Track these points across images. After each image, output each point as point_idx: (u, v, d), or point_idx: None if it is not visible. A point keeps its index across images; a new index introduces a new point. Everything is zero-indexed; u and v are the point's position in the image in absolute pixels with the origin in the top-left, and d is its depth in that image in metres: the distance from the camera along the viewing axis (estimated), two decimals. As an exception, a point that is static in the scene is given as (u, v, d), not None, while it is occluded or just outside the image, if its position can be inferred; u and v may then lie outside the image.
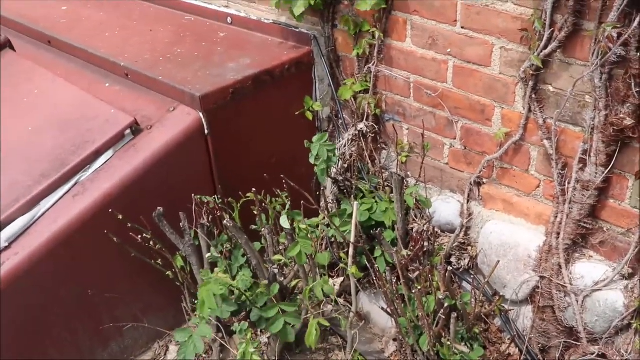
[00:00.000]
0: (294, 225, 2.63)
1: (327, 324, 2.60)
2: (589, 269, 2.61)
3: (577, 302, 2.63)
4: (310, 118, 3.23)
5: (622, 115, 2.30)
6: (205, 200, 2.88)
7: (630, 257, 2.50)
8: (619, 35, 2.19)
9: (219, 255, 2.81)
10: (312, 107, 3.24)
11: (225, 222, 2.62)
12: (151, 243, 2.80)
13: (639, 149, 2.36)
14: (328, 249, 3.12)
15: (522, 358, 2.86)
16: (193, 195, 2.87)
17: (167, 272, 2.92)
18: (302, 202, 2.79)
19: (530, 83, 2.56)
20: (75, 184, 2.85)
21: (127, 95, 3.21)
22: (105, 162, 2.91)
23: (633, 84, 2.22)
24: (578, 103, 2.46)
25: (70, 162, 2.87)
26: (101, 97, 3.17)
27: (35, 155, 2.95)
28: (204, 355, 3.14)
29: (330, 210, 3.09)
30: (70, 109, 3.15)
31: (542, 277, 2.73)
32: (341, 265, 3.02)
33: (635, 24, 2.12)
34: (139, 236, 2.77)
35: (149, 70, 3.22)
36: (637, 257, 2.50)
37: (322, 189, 2.99)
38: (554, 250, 2.67)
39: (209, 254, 2.85)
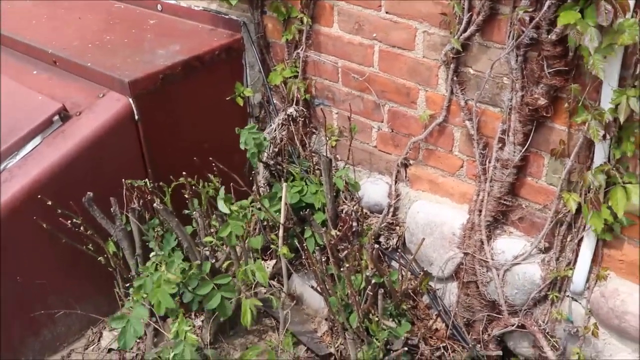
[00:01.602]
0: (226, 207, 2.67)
1: (260, 304, 2.64)
2: (509, 244, 2.73)
3: (498, 276, 2.74)
4: (242, 104, 3.26)
5: (536, 96, 2.41)
6: (136, 185, 2.89)
7: (546, 231, 2.63)
8: (531, 18, 2.29)
9: (161, 253, 2.82)
10: (242, 93, 3.27)
11: (155, 205, 2.65)
12: (82, 228, 2.79)
13: (553, 127, 2.48)
14: (261, 233, 3.17)
15: (448, 332, 2.97)
16: (124, 180, 2.88)
17: (100, 258, 2.92)
18: (231, 184, 2.83)
19: (452, 66, 2.66)
20: (3, 170, 2.82)
21: (56, 82, 3.18)
22: (34, 148, 2.88)
23: (545, 65, 2.33)
24: (496, 84, 2.57)
25: (-3, 148, 2.84)
26: (29, 85, 3.14)
27: (-40, 143, 2.91)
28: (137, 340, 3.15)
29: (262, 194, 3.14)
30: (-3, 96, 3.11)
31: (465, 254, 2.84)
32: (272, 247, 3.08)
33: (545, 7, 2.22)
34: (69, 221, 2.76)
35: (77, 57, 3.19)
36: (552, 232, 2.63)
37: (253, 173, 3.03)
38: (477, 227, 2.78)
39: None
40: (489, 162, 2.70)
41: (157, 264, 2.59)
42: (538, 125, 2.51)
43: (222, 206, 2.56)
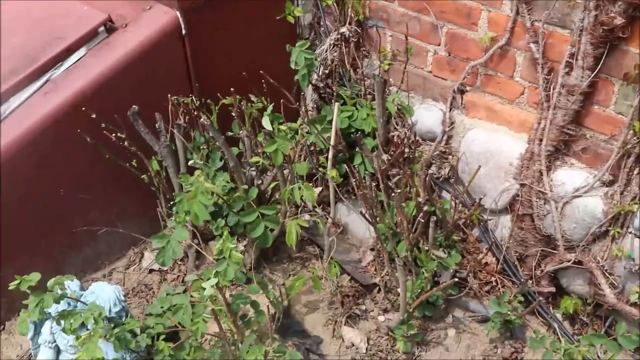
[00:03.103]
0: (273, 127, 2.57)
1: (305, 224, 2.56)
2: (569, 176, 2.60)
3: (557, 209, 2.62)
4: (292, 23, 3.13)
5: (612, 14, 2.24)
6: (182, 102, 2.80)
7: (612, 163, 2.49)
8: None
9: (200, 162, 2.74)
10: (293, 12, 3.13)
11: (202, 120, 2.55)
12: (126, 143, 2.72)
13: (628, 51, 2.31)
14: (307, 159, 3.08)
15: (498, 267, 2.87)
16: (169, 96, 2.79)
17: (143, 176, 2.86)
18: (281, 102, 2.72)
19: (519, -17, 2.49)
20: (47, 81, 2.75)
21: (101, -6, 3.08)
22: (78, 59, 2.80)
23: (626, -19, 2.16)
24: (567, 4, 2.39)
25: (41, 59, 2.76)
26: (74, -4, 3.05)
27: (3, 53, 2.83)
28: (179, 262, 3.11)
29: (310, 117, 3.02)
30: (41, 7, 3.00)
31: (522, 185, 2.71)
32: (320, 171, 2.99)
33: None
34: (113, 135, 2.69)
35: (124, -31, 3.08)
36: (618, 164, 2.49)
37: (301, 94, 2.92)
38: (536, 157, 2.64)
39: (191, 160, 2.78)
40: (554, 89, 2.54)
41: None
42: (611, 48, 2.35)
43: (267, 123, 2.45)
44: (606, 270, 2.58)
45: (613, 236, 2.54)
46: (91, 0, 2.98)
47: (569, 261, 2.64)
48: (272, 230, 2.70)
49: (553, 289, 2.77)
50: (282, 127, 2.56)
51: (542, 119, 2.61)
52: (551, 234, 2.68)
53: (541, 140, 2.62)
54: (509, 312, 2.64)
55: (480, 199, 2.71)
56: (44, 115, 2.66)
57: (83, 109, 2.67)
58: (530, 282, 2.79)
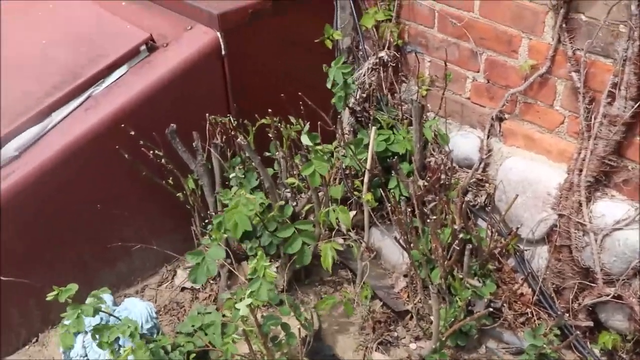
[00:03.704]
0: (310, 148, 2.56)
1: (340, 247, 2.55)
2: (610, 208, 2.54)
3: (596, 241, 2.56)
4: (330, 47, 3.14)
5: (658, 44, 2.21)
6: (220, 121, 2.81)
7: (654, 196, 2.44)
8: (661, -44, 2.09)
9: (242, 176, 2.75)
10: (332, 36, 3.14)
11: (239, 140, 2.56)
12: (163, 161, 2.74)
13: (673, 82, 2.28)
14: (342, 182, 3.06)
15: (534, 298, 2.81)
16: (207, 115, 2.80)
17: (178, 194, 2.87)
18: (318, 124, 2.72)
19: (562, 11, 2.47)
20: (88, 97, 2.79)
21: (144, 13, 3.13)
22: (120, 77, 2.84)
23: (672, 11, 2.13)
24: (611, 33, 2.36)
25: (83, 75, 2.81)
26: (118, 15, 3.09)
27: (48, 68, 2.89)
28: (211, 281, 3.11)
29: (346, 141, 3.02)
30: (85, 24, 3.07)
31: (560, 215, 2.66)
32: (354, 195, 2.98)
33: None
34: (151, 152, 2.71)
35: (167, -11, 3.14)
36: (661, 197, 2.43)
37: (338, 117, 2.91)
38: (575, 187, 2.59)
39: (232, 174, 2.79)
40: (595, 118, 2.50)
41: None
42: (655, 78, 2.31)
43: (306, 139, 2.44)
44: (647, 305, 2.51)
45: (655, 271, 2.48)
46: (135, 19, 3.04)
47: (608, 295, 2.58)
48: (308, 245, 2.68)
49: (591, 324, 2.70)
50: (319, 147, 2.56)
51: (583, 149, 2.57)
52: (590, 266, 2.62)
53: (581, 170, 2.57)
54: (544, 345, 2.57)
55: (517, 228, 2.67)
56: (84, 131, 2.70)
57: (122, 125, 2.71)
58: (567, 315, 2.72)
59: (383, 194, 2.80)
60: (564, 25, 2.49)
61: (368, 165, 2.76)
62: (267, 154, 2.91)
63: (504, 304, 2.81)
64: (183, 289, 3.09)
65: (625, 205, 2.52)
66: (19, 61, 2.96)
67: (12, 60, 2.97)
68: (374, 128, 2.67)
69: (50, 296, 2.08)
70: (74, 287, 2.09)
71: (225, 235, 2.50)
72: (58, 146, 2.67)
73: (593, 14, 2.41)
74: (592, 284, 2.65)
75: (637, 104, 2.35)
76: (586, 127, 2.55)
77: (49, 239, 2.76)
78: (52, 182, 2.67)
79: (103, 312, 2.21)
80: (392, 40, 3.08)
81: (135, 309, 2.39)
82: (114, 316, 2.31)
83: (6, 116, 2.71)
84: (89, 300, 2.13)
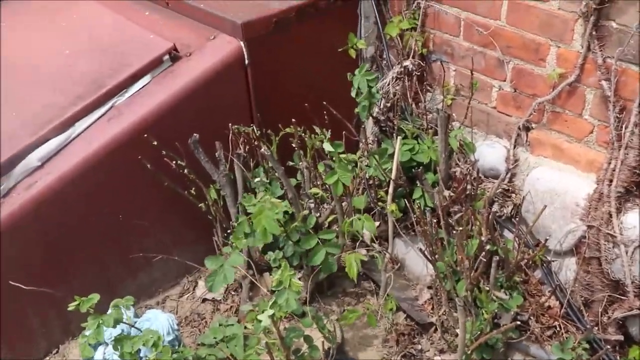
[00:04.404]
0: (334, 157, 2.53)
1: (364, 258, 2.51)
2: (641, 219, 2.49)
3: (627, 253, 2.50)
4: (354, 56, 3.11)
5: (690, 52, 2.16)
6: (243, 131, 2.79)
7: (687, 207, 2.37)
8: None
9: (267, 181, 2.72)
10: (356, 45, 3.11)
11: (262, 150, 2.54)
12: (185, 171, 2.72)
13: None
14: (365, 193, 3.03)
15: (562, 311, 2.75)
16: (230, 125, 2.78)
17: (200, 205, 2.85)
18: (343, 133, 2.69)
19: (592, 19, 2.42)
20: (111, 107, 2.78)
21: (167, 23, 3.12)
22: (143, 87, 2.83)
23: None
24: (643, 40, 2.32)
25: (106, 85, 2.80)
26: (141, 25, 3.09)
27: (71, 78, 2.89)
28: (232, 292, 3.08)
29: (370, 150, 2.98)
30: (108, 34, 3.08)
31: (589, 227, 2.60)
32: (378, 205, 2.94)
33: None
34: (173, 162, 2.69)
35: (189, -1, 3.13)
36: (694, 208, 2.37)
37: (362, 127, 2.88)
38: (605, 198, 2.54)
39: (257, 179, 2.77)
40: (626, 128, 2.45)
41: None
42: (688, 87, 2.25)
43: (328, 145, 2.41)
44: (679, 319, 2.45)
45: (687, 284, 2.41)
46: (158, 29, 3.03)
47: (639, 308, 2.51)
48: (332, 255, 2.65)
49: (621, 337, 2.63)
50: (343, 156, 2.52)
51: (613, 158, 2.52)
52: (620, 279, 2.56)
53: (611, 180, 2.52)
54: (572, 359, 2.52)
55: (545, 240, 2.61)
56: (107, 142, 2.70)
57: (145, 136, 2.69)
58: (596, 328, 2.66)
59: (407, 204, 2.76)
60: (594, 33, 2.45)
61: (393, 175, 2.72)
62: (291, 163, 2.89)
63: (531, 317, 2.75)
64: (204, 300, 3.06)
65: (657, 216, 2.47)
66: (43, 71, 2.97)
67: (36, 70, 2.97)
68: (399, 138, 2.63)
69: (71, 306, 2.06)
70: (95, 297, 2.07)
71: (247, 244, 2.47)
72: (80, 156, 2.66)
73: (624, 21, 2.36)
74: (623, 297, 2.59)
75: (670, 113, 2.30)
76: (616, 137, 2.49)
77: (70, 248, 2.75)
78: (75, 192, 2.66)
79: (124, 323, 2.18)
80: (416, 49, 3.04)
81: (157, 320, 2.37)
82: (136, 327, 2.29)
83: (30, 126, 2.71)
84: (110, 310, 2.11)
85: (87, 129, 2.73)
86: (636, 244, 2.47)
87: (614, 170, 2.51)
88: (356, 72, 2.75)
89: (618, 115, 2.47)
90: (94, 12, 3.22)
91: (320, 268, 2.63)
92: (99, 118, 2.76)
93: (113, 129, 2.72)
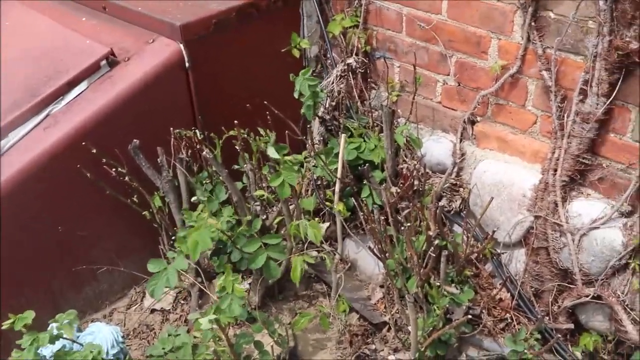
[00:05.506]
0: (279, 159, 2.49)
1: (312, 260, 2.47)
2: (586, 207, 2.50)
3: (573, 241, 2.51)
4: (297, 56, 3.07)
5: (627, 39, 2.17)
6: (185, 135, 2.73)
7: (630, 193, 2.39)
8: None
9: (204, 198, 2.66)
10: (299, 45, 3.08)
11: (204, 153, 2.48)
12: (127, 179, 2.65)
13: (643, 76, 2.24)
14: (314, 194, 3.00)
15: (513, 303, 2.75)
16: (172, 129, 2.72)
17: (144, 212, 2.78)
18: (286, 133, 2.65)
19: (530, 10, 2.43)
20: (47, 115, 2.70)
21: (105, 28, 3.05)
22: (80, 93, 2.75)
23: (640, 3, 2.09)
24: (580, 29, 2.33)
25: (41, 93, 2.72)
26: (77, 31, 3.01)
27: (6, 86, 2.79)
28: (182, 302, 3.02)
29: (316, 150, 2.95)
30: (44, 40, 2.99)
31: (537, 217, 2.61)
32: (327, 206, 2.91)
33: None
34: (113, 170, 2.62)
35: (127, 2, 3.05)
36: (637, 194, 2.38)
37: (308, 127, 2.85)
38: (551, 187, 2.54)
39: (194, 197, 2.71)
40: (568, 117, 2.46)
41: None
42: (626, 73, 2.26)
43: (272, 152, 2.37)
44: (627, 305, 2.45)
45: (634, 269, 2.42)
46: (95, 34, 2.95)
47: (587, 296, 2.52)
48: (275, 260, 2.59)
49: (571, 326, 2.64)
50: (288, 158, 2.48)
51: (556, 148, 2.53)
52: (568, 267, 2.57)
53: (555, 170, 2.53)
54: (525, 351, 2.51)
55: (493, 232, 2.61)
56: (43, 151, 2.61)
57: (83, 143, 2.61)
58: (547, 318, 2.66)
59: (355, 203, 2.73)
60: (532, 24, 2.46)
61: (339, 174, 2.69)
62: (236, 167, 2.83)
63: (483, 310, 2.74)
64: (153, 310, 2.98)
65: (602, 203, 2.48)
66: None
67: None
68: (343, 136, 2.60)
69: (5, 324, 1.98)
70: (30, 315, 1.98)
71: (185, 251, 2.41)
72: (15, 167, 2.57)
73: (561, 11, 2.37)
74: (571, 285, 2.60)
75: (610, 100, 2.31)
76: (559, 126, 2.50)
77: (11, 264, 2.64)
78: (11, 206, 2.56)
79: (65, 339, 2.10)
80: (360, 46, 3.02)
81: (100, 333, 2.29)
82: (77, 342, 2.21)
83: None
84: (50, 326, 2.03)
85: (22, 138, 2.64)
86: (582, 231, 2.48)
87: (558, 160, 2.52)
88: (300, 74, 2.72)
89: (560, 104, 2.48)
90: (28, 19, 3.13)
91: (264, 272, 2.57)
92: (34, 127, 2.67)
93: (49, 137, 2.64)
